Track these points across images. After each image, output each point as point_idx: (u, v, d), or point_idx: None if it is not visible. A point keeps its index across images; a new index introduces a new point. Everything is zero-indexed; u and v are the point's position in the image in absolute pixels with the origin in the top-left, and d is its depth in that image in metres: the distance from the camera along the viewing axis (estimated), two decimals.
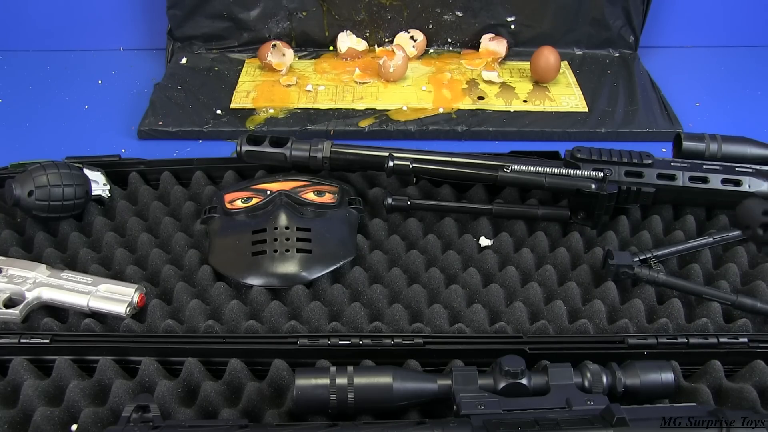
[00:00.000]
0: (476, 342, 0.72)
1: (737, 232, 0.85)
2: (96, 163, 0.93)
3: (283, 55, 1.34)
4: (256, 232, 0.81)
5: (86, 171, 0.89)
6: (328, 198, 0.88)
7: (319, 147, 0.87)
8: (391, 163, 0.85)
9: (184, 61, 1.37)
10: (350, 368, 0.63)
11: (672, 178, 0.84)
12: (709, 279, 0.82)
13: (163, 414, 0.63)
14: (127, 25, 1.43)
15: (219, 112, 1.23)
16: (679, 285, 0.78)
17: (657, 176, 0.84)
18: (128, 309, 0.74)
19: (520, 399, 0.61)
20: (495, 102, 1.26)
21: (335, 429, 0.58)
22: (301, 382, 0.62)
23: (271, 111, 1.23)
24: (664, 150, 1.16)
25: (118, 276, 0.80)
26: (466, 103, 1.25)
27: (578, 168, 0.84)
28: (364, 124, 1.20)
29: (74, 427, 0.64)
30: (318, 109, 1.23)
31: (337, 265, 0.80)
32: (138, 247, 0.85)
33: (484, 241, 0.87)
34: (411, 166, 0.86)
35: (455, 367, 0.66)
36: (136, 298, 0.75)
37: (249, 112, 1.23)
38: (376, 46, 1.40)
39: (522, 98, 1.27)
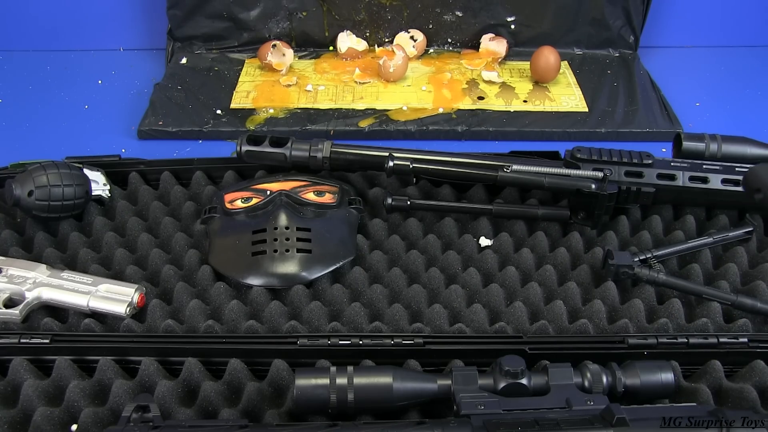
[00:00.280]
0: (476, 342, 0.72)
1: (737, 232, 0.85)
2: (96, 163, 0.93)
3: (283, 55, 1.34)
4: (256, 232, 0.81)
5: (86, 171, 0.89)
6: (328, 198, 0.88)
7: (319, 147, 0.87)
8: (391, 163, 0.85)
9: (184, 61, 1.37)
10: (350, 368, 0.63)
11: (672, 178, 0.84)
12: (709, 279, 0.82)
13: (163, 414, 0.63)
14: (127, 25, 1.43)
15: (219, 112, 1.23)
16: (679, 285, 0.78)
17: (657, 176, 0.84)
18: (128, 309, 0.74)
19: (520, 399, 0.61)
20: (495, 102, 1.26)
21: (335, 429, 0.58)
22: (301, 382, 0.62)
23: (271, 111, 1.23)
24: (664, 150, 1.16)
25: (118, 276, 0.80)
26: (466, 103, 1.25)
27: (578, 168, 0.84)
28: (364, 124, 1.20)
29: (74, 427, 0.64)
30: (318, 109, 1.23)
31: (337, 265, 0.80)
32: (138, 247, 0.85)
33: (484, 241, 0.87)
34: (411, 166, 0.86)
35: (455, 367, 0.66)
36: (136, 298, 0.75)
37: (249, 112, 1.23)
38: (376, 46, 1.40)
39: (522, 98, 1.27)
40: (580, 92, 1.29)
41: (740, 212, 0.90)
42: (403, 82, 1.31)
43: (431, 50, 1.42)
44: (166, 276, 0.80)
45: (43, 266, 0.78)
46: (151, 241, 0.86)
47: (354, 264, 0.82)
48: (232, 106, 1.24)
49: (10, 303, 0.76)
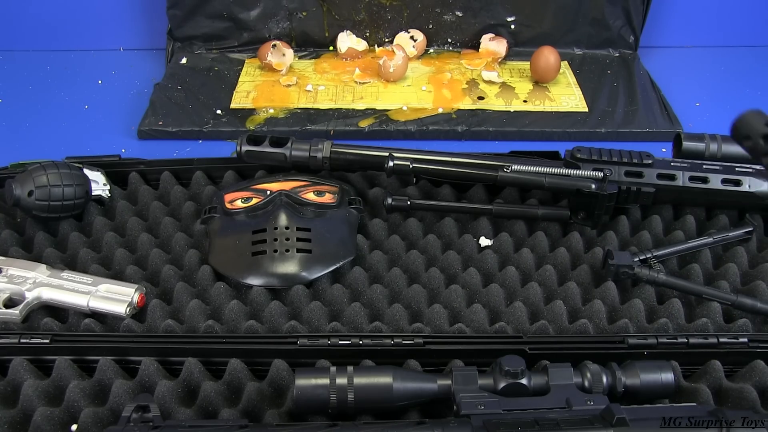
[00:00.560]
0: (476, 342, 0.72)
1: (737, 232, 0.85)
2: (96, 163, 0.93)
3: (283, 55, 1.34)
4: (256, 232, 0.81)
5: (86, 171, 0.89)
6: (328, 198, 0.88)
7: (319, 147, 0.87)
8: (391, 163, 0.85)
9: (184, 61, 1.37)
10: (350, 368, 0.63)
11: (672, 178, 0.84)
12: (709, 279, 0.82)
13: (163, 414, 0.63)
14: (127, 25, 1.43)
15: (219, 112, 1.23)
16: (679, 285, 0.78)
17: (657, 176, 0.84)
18: (128, 309, 0.74)
19: (520, 399, 0.61)
20: (495, 102, 1.26)
21: (335, 429, 0.58)
22: (301, 382, 0.62)
23: (271, 111, 1.23)
24: (664, 150, 1.16)
25: (118, 276, 0.80)
26: (466, 103, 1.25)
27: (578, 168, 0.84)
28: (364, 124, 1.20)
29: (74, 427, 0.64)
30: (318, 109, 1.23)
31: (337, 265, 0.80)
32: (138, 247, 0.85)
33: (484, 241, 0.87)
34: (411, 166, 0.86)
35: (455, 367, 0.66)
36: (136, 298, 0.75)
37: (249, 112, 1.23)
38: (376, 46, 1.40)
39: (522, 98, 1.27)
40: (580, 92, 1.29)
41: (740, 212, 0.90)
42: (403, 82, 1.31)
43: (431, 50, 1.42)
44: (166, 276, 0.80)
45: (43, 266, 0.78)
46: (151, 241, 0.86)
47: (354, 264, 0.82)
48: (232, 106, 1.24)
49: (10, 303, 0.76)
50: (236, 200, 0.87)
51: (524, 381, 0.62)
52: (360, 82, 1.30)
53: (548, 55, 1.28)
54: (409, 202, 0.88)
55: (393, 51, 1.30)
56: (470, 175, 0.87)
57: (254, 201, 0.86)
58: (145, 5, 1.41)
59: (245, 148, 0.88)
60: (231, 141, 1.18)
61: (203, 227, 0.87)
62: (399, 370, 0.64)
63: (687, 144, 0.85)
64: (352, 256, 0.82)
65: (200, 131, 1.19)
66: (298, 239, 0.80)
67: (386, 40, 1.40)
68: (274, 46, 1.32)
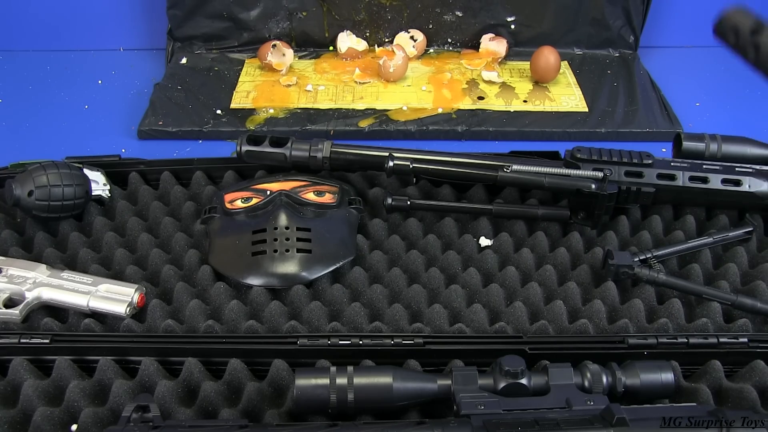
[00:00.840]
0: (476, 342, 0.72)
1: (737, 232, 0.85)
2: (96, 163, 0.93)
3: (283, 55, 1.34)
4: (256, 232, 0.81)
5: (86, 171, 0.89)
6: (328, 198, 0.88)
7: (319, 147, 0.87)
8: (391, 163, 0.85)
9: (184, 61, 1.37)
10: (350, 368, 0.63)
11: (672, 178, 0.84)
12: (709, 279, 0.82)
13: (163, 414, 0.63)
14: (127, 25, 1.43)
15: (219, 112, 1.23)
16: (679, 285, 0.78)
17: (657, 176, 0.84)
18: (128, 309, 0.74)
19: (520, 399, 0.61)
20: (495, 102, 1.26)
21: (335, 429, 0.58)
22: (301, 382, 0.62)
23: (271, 111, 1.23)
24: (664, 150, 1.16)
25: (118, 276, 0.80)
26: (466, 103, 1.25)
27: (578, 168, 0.84)
28: (364, 124, 1.20)
29: (74, 427, 0.64)
30: (318, 109, 1.23)
31: (337, 265, 0.80)
32: (138, 247, 0.85)
33: (484, 241, 0.87)
34: (411, 166, 0.86)
35: (455, 367, 0.66)
36: (136, 298, 0.75)
37: (249, 112, 1.23)
38: (376, 46, 1.40)
39: (522, 98, 1.27)
40: (580, 92, 1.29)
41: (740, 212, 0.90)
42: (403, 82, 1.31)
43: (431, 50, 1.42)
44: (166, 276, 0.80)
45: (43, 266, 0.78)
46: (151, 241, 0.86)
47: (354, 264, 0.82)
48: (232, 106, 1.24)
49: (10, 303, 0.76)
50: (236, 200, 0.87)
51: (524, 381, 0.62)
52: (360, 82, 1.30)
53: (548, 55, 1.28)
54: (409, 202, 0.88)
55: (393, 51, 1.30)
56: (470, 175, 0.87)
57: (254, 201, 0.86)
58: (145, 5, 1.41)
59: (245, 148, 0.88)
60: (231, 141, 1.18)
61: (203, 227, 0.87)
62: (399, 370, 0.64)
63: (687, 144, 0.85)
64: (352, 256, 0.82)
65: (200, 131, 1.19)
66: (298, 239, 0.80)
67: (386, 40, 1.40)
68: (274, 46, 1.32)
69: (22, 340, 0.70)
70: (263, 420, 0.65)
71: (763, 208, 0.87)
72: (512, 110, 1.24)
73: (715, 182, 0.84)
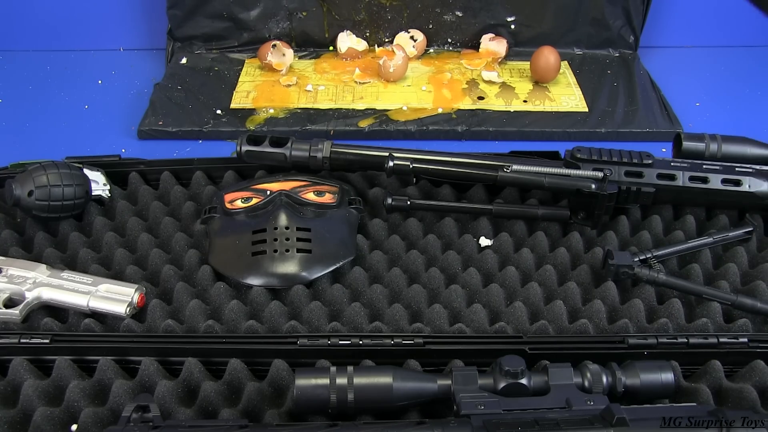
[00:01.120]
0: (476, 342, 0.72)
1: (737, 232, 0.85)
2: (96, 163, 0.93)
3: (283, 55, 1.34)
4: (256, 232, 0.81)
5: (86, 171, 0.89)
6: (328, 198, 0.88)
7: (319, 147, 0.87)
8: (391, 163, 0.85)
9: (184, 61, 1.37)
10: (350, 368, 0.63)
11: (672, 178, 0.84)
12: (709, 279, 0.82)
13: (163, 414, 0.63)
14: (127, 25, 1.43)
15: (219, 112, 1.23)
16: (679, 285, 0.78)
17: (657, 176, 0.84)
18: (128, 309, 0.74)
19: (520, 399, 0.61)
20: (495, 102, 1.26)
21: (335, 429, 0.58)
22: (301, 382, 0.62)
23: (271, 111, 1.23)
24: (664, 150, 1.16)
25: (118, 276, 0.80)
26: (466, 103, 1.25)
27: (578, 168, 0.84)
28: (364, 124, 1.20)
29: (74, 427, 0.64)
30: (318, 109, 1.23)
31: (337, 265, 0.80)
32: (138, 247, 0.85)
33: (484, 241, 0.87)
34: (411, 166, 0.86)
35: (455, 367, 0.66)
36: (136, 298, 0.75)
37: (249, 112, 1.23)
38: (376, 46, 1.40)
39: (522, 98, 1.27)
40: (580, 92, 1.29)
41: (740, 212, 0.90)
42: (403, 82, 1.31)
43: (431, 50, 1.42)
44: (166, 276, 0.80)
45: (43, 266, 0.78)
46: (151, 241, 0.86)
47: (354, 264, 0.82)
48: (232, 106, 1.24)
49: (10, 303, 0.76)
50: (236, 200, 0.87)
51: (524, 381, 0.62)
52: (360, 82, 1.30)
53: (548, 55, 1.28)
54: (409, 202, 0.88)
55: (393, 51, 1.30)
56: (470, 175, 0.87)
57: (254, 201, 0.86)
58: (145, 5, 1.41)
59: (245, 148, 0.88)
60: (231, 141, 1.18)
61: (203, 227, 0.87)
62: (399, 370, 0.64)
63: (687, 144, 0.85)
64: (352, 256, 0.82)
65: (200, 131, 1.19)
66: (298, 239, 0.80)
67: (386, 40, 1.40)
68: (274, 46, 1.32)
69: (22, 340, 0.70)
70: (263, 420, 0.65)
71: (763, 208, 0.87)
72: (512, 110, 1.24)
73: (715, 182, 0.84)
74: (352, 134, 1.18)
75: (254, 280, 0.78)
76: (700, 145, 0.85)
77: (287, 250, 0.79)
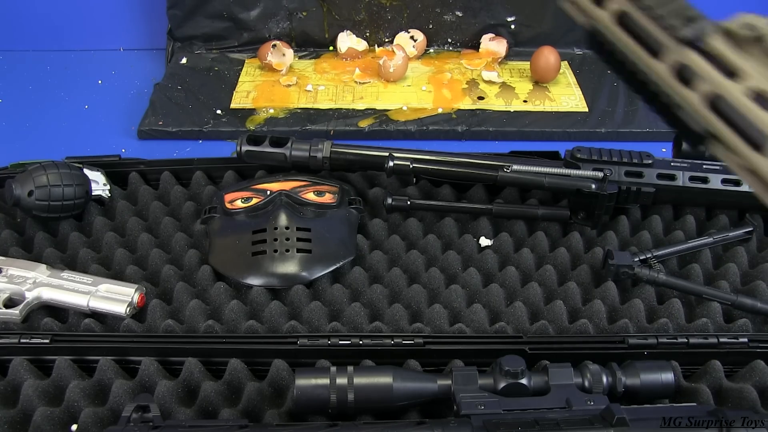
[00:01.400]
0: (476, 342, 0.72)
1: (737, 232, 0.85)
2: (96, 163, 0.93)
3: (283, 55, 1.34)
4: (256, 232, 0.81)
5: (86, 171, 0.89)
6: (328, 198, 0.88)
7: (319, 147, 0.87)
8: (391, 163, 0.85)
9: (184, 61, 1.37)
10: (350, 368, 0.63)
11: (672, 178, 0.84)
12: (709, 279, 0.82)
13: (163, 414, 0.63)
14: (127, 25, 1.43)
15: (219, 112, 1.23)
16: (679, 285, 0.78)
17: (657, 176, 0.84)
18: (128, 309, 0.74)
19: (520, 399, 0.61)
20: (495, 102, 1.26)
21: (335, 429, 0.58)
22: (301, 382, 0.62)
23: (271, 111, 1.23)
24: (664, 150, 1.16)
25: (118, 276, 0.80)
26: (466, 103, 1.25)
27: (578, 168, 0.84)
28: (364, 124, 1.20)
29: (74, 427, 0.64)
30: (318, 109, 1.23)
31: (337, 265, 0.80)
32: (138, 247, 0.85)
33: (484, 241, 0.87)
34: (411, 166, 0.86)
35: (455, 367, 0.66)
36: (136, 298, 0.75)
37: (249, 112, 1.23)
38: (376, 46, 1.40)
39: (522, 98, 1.27)
40: (580, 92, 1.29)
41: (740, 212, 0.90)
42: (403, 82, 1.31)
43: (431, 50, 1.42)
44: (166, 276, 0.80)
45: (43, 266, 0.78)
46: (151, 241, 0.86)
47: (354, 264, 0.82)
48: (232, 106, 1.24)
49: (10, 303, 0.76)
50: (236, 200, 0.87)
51: (524, 381, 0.62)
52: (360, 82, 1.30)
53: (548, 55, 1.28)
54: (409, 202, 0.88)
55: (393, 51, 1.30)
56: (470, 175, 0.87)
57: (254, 201, 0.86)
58: (145, 5, 1.41)
59: (245, 148, 0.88)
60: (231, 141, 1.18)
61: (203, 227, 0.87)
62: (399, 370, 0.64)
63: (687, 144, 0.85)
64: (352, 256, 0.82)
65: (200, 131, 1.19)
66: (298, 239, 0.80)
67: (386, 40, 1.40)
68: (274, 46, 1.32)
69: (22, 340, 0.70)
70: (263, 420, 0.65)
71: (763, 208, 0.87)
72: (512, 110, 1.24)
73: (715, 182, 0.84)
74: (352, 134, 1.18)
75: (254, 280, 0.78)
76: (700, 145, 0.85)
77: (287, 250, 0.79)
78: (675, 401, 0.66)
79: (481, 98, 1.27)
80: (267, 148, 0.87)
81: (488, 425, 0.56)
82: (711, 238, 0.84)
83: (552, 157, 0.91)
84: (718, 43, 0.33)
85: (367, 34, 1.40)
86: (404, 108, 1.24)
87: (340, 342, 0.70)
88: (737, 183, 0.84)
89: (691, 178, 0.84)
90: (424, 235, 0.87)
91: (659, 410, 0.60)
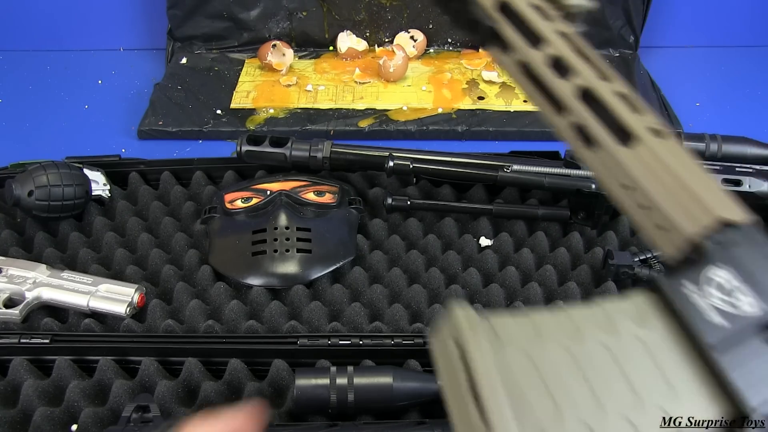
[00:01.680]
0: None
1: None
2: (96, 163, 0.93)
3: (283, 55, 1.34)
4: (256, 232, 0.81)
5: (86, 171, 0.89)
6: (328, 198, 0.88)
7: (319, 147, 0.87)
8: (391, 163, 0.85)
9: (184, 61, 1.37)
10: (350, 368, 0.63)
11: None
12: None
13: (163, 414, 0.63)
14: (127, 25, 1.43)
15: (219, 112, 1.23)
16: None
17: None
18: (128, 309, 0.74)
19: None
20: (495, 102, 1.26)
21: (335, 429, 0.58)
22: (301, 382, 0.62)
23: (271, 111, 1.23)
24: None
25: (118, 276, 0.80)
26: (466, 103, 1.25)
27: (578, 168, 0.84)
28: (364, 124, 1.20)
29: (74, 427, 0.64)
30: (318, 109, 1.23)
31: (337, 265, 0.80)
32: (138, 247, 0.85)
33: (484, 241, 0.87)
34: (411, 166, 0.86)
35: None
36: (136, 298, 0.75)
37: (249, 112, 1.23)
38: (376, 46, 1.40)
39: (522, 98, 1.27)
40: None
41: None
42: (403, 82, 1.31)
43: (431, 50, 1.42)
44: (166, 276, 0.80)
45: (43, 266, 0.78)
46: (151, 241, 0.86)
47: (354, 264, 0.82)
48: (232, 106, 1.24)
49: (10, 303, 0.76)
50: (236, 200, 0.87)
51: None
52: (360, 82, 1.30)
53: None
54: (409, 202, 0.88)
55: (393, 51, 1.30)
56: (470, 175, 0.87)
57: (254, 201, 0.86)
58: (145, 5, 1.41)
59: (245, 148, 0.88)
60: (231, 141, 1.18)
61: (203, 227, 0.87)
62: (399, 370, 0.64)
63: (687, 144, 0.85)
64: (352, 256, 0.82)
65: (200, 131, 1.19)
66: (298, 239, 0.80)
67: (386, 40, 1.40)
68: (274, 46, 1.32)
69: (22, 340, 0.70)
70: None
71: (763, 208, 0.87)
72: (512, 110, 1.24)
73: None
74: (352, 134, 1.18)
75: (254, 280, 0.78)
76: (700, 145, 0.85)
77: (287, 250, 0.79)
78: None
79: (481, 98, 1.27)
80: (267, 148, 0.87)
81: None
82: None
83: (552, 157, 0.91)
84: None
85: (367, 34, 1.40)
86: (404, 108, 1.24)
87: (340, 342, 0.70)
88: (737, 183, 0.84)
89: None
90: (424, 235, 0.87)
91: None
